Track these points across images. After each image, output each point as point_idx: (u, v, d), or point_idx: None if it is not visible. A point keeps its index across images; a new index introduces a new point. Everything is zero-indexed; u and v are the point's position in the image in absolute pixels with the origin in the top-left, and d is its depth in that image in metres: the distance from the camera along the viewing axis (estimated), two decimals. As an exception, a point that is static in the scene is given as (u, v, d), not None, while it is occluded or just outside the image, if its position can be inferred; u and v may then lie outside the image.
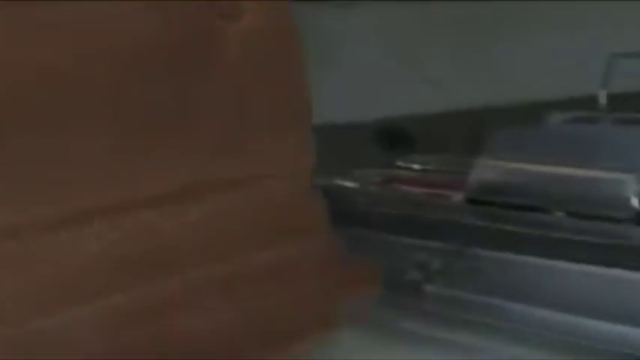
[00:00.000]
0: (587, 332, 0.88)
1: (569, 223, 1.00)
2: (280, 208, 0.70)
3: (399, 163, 1.21)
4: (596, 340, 0.87)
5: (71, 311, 0.59)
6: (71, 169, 0.58)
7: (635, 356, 0.83)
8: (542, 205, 1.02)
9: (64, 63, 0.58)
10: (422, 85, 1.59)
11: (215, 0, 0.66)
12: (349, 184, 1.17)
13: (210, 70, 0.64)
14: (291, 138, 0.72)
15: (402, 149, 1.48)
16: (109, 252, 0.60)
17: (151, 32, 0.61)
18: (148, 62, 0.61)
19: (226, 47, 0.66)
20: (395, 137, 1.54)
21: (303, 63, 0.74)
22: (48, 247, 0.58)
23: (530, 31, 1.68)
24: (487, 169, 1.06)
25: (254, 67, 0.68)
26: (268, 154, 0.70)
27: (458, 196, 1.08)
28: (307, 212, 0.73)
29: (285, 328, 0.69)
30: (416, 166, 1.22)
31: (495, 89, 1.50)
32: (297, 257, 0.71)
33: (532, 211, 1.03)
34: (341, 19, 1.56)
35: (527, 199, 1.03)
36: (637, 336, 0.85)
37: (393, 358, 0.94)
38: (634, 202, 0.93)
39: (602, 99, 1.27)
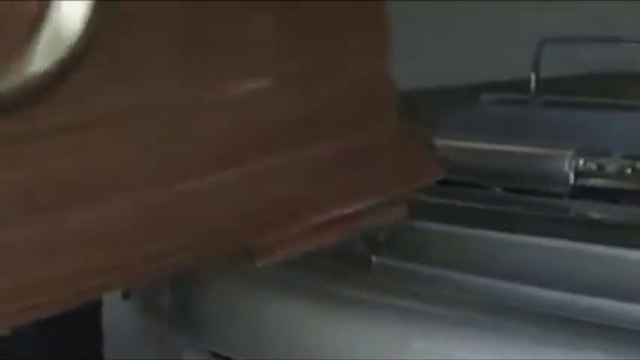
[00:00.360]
0: (525, 298, 0.93)
1: (509, 197, 1.05)
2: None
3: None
4: (534, 305, 0.92)
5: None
6: None
7: (573, 319, 0.88)
8: (483, 181, 1.07)
9: None
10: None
11: None
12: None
13: None
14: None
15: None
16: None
17: None
18: None
19: None
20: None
21: None
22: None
23: (462, 18, 1.73)
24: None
25: None
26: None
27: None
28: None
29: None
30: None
31: (428, 73, 1.54)
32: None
33: (473, 187, 1.08)
34: None
35: (468, 176, 1.08)
36: (573, 301, 0.90)
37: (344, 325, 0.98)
38: (571, 177, 0.99)
39: (533, 82, 1.33)
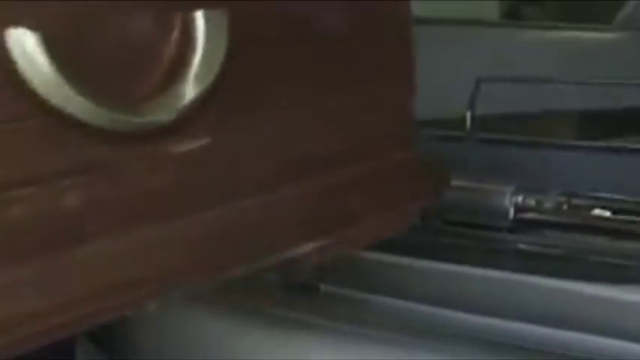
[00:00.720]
0: (463, 325, 0.98)
1: (450, 229, 1.10)
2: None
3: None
4: (472, 332, 0.96)
5: None
6: None
7: (512, 344, 0.93)
8: (425, 213, 1.12)
9: None
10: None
11: None
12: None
13: None
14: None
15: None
16: None
17: None
18: None
19: None
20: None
21: None
22: None
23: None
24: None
25: None
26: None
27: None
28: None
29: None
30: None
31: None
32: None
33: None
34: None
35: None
36: (508, 328, 0.95)
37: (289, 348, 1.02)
38: (511, 212, 1.04)
39: (469, 120, 1.38)
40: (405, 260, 1.04)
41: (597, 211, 1.05)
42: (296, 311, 1.06)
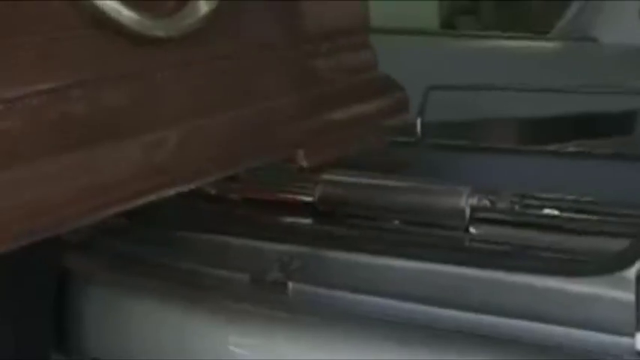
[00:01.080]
0: (424, 317, 1.04)
1: (409, 229, 1.17)
2: None
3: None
4: (433, 324, 1.03)
5: None
6: None
7: (471, 334, 0.99)
8: (384, 214, 1.19)
9: None
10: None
11: None
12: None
13: None
14: None
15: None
16: None
17: None
18: None
19: None
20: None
21: None
22: None
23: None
24: (333, 185, 1.21)
25: None
26: None
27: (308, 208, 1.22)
28: None
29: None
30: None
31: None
32: None
33: (374, 220, 1.20)
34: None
35: (371, 210, 1.20)
36: (461, 318, 1.01)
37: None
38: (467, 212, 1.11)
39: (419, 126, 1.45)
40: (367, 258, 1.10)
41: (547, 211, 1.13)
42: (263, 307, 1.12)
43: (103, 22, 0.76)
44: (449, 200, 1.13)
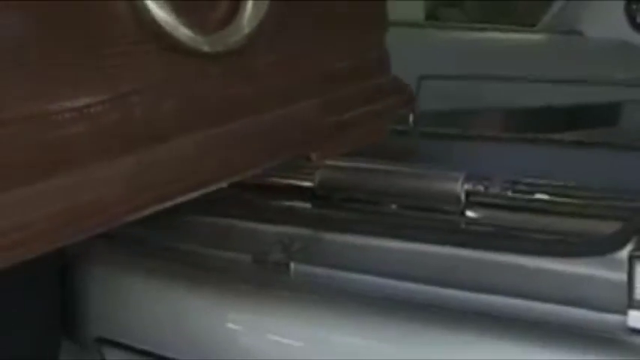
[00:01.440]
0: (422, 296, 1.08)
1: (407, 213, 1.21)
2: None
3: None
4: (431, 302, 1.07)
5: None
6: None
7: (468, 312, 1.04)
8: (382, 199, 1.23)
9: None
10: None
11: None
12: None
13: None
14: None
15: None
16: None
17: None
18: None
19: None
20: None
21: None
22: None
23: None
24: (332, 170, 1.25)
25: None
26: None
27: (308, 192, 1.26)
28: None
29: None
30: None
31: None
32: None
33: (373, 204, 1.24)
34: None
35: (369, 194, 1.24)
36: (458, 296, 1.06)
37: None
38: (462, 197, 1.16)
39: (411, 116, 1.49)
40: (366, 240, 1.15)
41: (538, 195, 1.17)
42: (266, 288, 1.16)
43: (161, 37, 0.88)
44: (445, 185, 1.17)
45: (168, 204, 0.92)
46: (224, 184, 1.02)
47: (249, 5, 0.96)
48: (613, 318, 0.94)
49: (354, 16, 1.14)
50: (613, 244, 0.95)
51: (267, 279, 1.16)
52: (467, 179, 1.16)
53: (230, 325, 1.16)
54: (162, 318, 1.22)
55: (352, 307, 1.10)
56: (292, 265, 1.16)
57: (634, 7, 2.11)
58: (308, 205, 1.25)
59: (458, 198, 1.16)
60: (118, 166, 0.84)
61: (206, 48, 0.92)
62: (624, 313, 0.93)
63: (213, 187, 0.98)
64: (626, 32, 2.09)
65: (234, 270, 1.19)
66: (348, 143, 1.16)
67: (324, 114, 1.09)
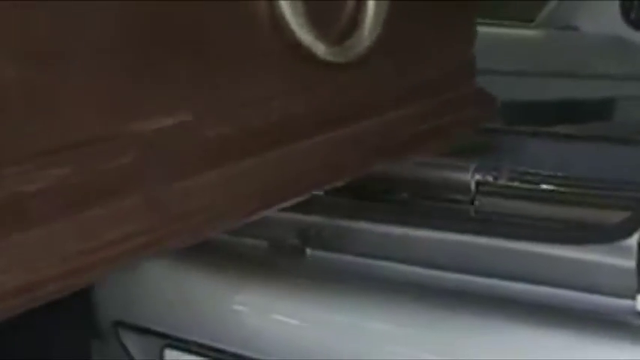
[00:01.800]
0: (435, 282, 1.12)
1: (419, 202, 1.25)
2: None
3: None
4: (444, 288, 1.11)
5: None
6: None
7: (480, 296, 1.08)
8: (395, 187, 1.27)
9: None
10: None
11: None
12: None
13: None
14: None
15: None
16: None
17: None
18: None
19: None
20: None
21: None
22: None
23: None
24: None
25: None
26: None
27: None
28: None
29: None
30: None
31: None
32: None
33: (385, 193, 1.28)
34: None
35: (383, 184, 1.28)
36: (470, 281, 1.10)
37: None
38: (472, 186, 1.20)
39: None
40: (380, 227, 1.19)
41: (545, 186, 1.22)
42: (282, 272, 1.20)
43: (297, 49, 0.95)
44: (456, 175, 1.21)
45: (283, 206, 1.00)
46: (321, 190, 1.13)
47: (369, 18, 1.02)
48: (622, 303, 0.98)
49: (447, 26, 1.20)
50: (622, 232, 1.00)
51: (284, 264, 1.20)
52: (477, 170, 1.20)
53: (246, 310, 1.19)
54: (179, 302, 1.26)
55: (365, 291, 1.14)
56: (308, 250, 1.20)
57: (629, 3, 2.15)
58: (322, 194, 1.29)
59: (468, 187, 1.20)
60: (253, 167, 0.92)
61: (334, 58, 0.98)
62: (633, 298, 0.98)
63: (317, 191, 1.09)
64: (621, 28, 2.13)
65: (250, 255, 1.23)
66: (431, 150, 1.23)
67: (417, 122, 1.15)
